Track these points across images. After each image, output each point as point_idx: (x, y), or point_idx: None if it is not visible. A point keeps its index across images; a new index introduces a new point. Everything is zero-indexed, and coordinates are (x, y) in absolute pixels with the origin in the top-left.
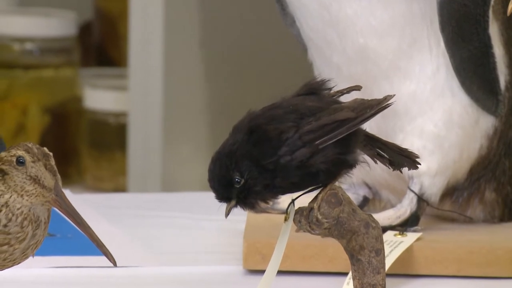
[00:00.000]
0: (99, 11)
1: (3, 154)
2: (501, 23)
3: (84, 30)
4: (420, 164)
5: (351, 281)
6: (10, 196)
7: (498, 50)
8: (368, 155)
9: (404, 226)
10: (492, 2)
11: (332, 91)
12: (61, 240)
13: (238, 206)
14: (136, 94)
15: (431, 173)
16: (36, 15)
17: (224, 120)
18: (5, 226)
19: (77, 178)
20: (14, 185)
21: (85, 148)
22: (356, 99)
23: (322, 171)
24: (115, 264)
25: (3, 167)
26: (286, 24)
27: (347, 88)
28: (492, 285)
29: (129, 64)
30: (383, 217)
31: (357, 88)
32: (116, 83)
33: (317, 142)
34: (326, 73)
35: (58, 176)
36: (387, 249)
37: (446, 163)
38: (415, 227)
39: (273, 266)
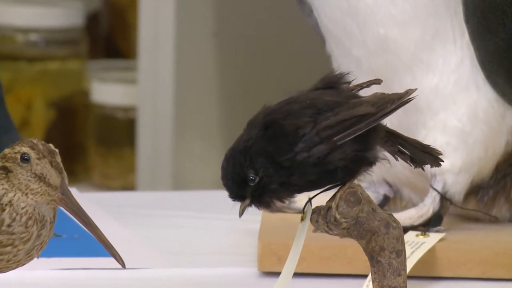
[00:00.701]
0: (107, 0)
1: (7, 150)
2: None
3: (92, 20)
4: (443, 161)
5: (371, 283)
6: (14, 195)
7: None
8: (388, 151)
9: (427, 226)
10: None
11: (351, 85)
12: (67, 241)
13: (253, 205)
14: (145, 88)
15: (455, 171)
16: (41, 5)
17: (238, 115)
18: (9, 226)
19: (84, 175)
20: (19, 183)
21: (92, 144)
22: (376, 93)
23: (340, 169)
24: (123, 266)
25: (7, 164)
26: (303, 14)
27: (367, 81)
28: None
29: (139, 56)
30: (404, 216)
31: (378, 81)
32: (125, 76)
33: (335, 138)
34: (345, 66)
35: (64, 173)
36: (408, 250)
37: (470, 160)
38: (438, 227)
39: (289, 268)
